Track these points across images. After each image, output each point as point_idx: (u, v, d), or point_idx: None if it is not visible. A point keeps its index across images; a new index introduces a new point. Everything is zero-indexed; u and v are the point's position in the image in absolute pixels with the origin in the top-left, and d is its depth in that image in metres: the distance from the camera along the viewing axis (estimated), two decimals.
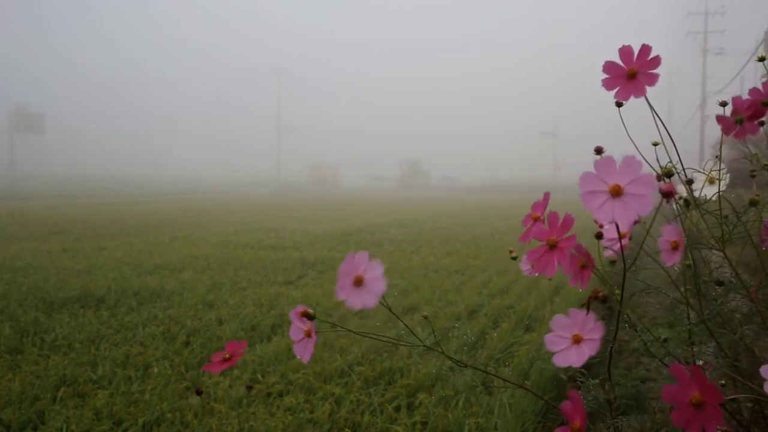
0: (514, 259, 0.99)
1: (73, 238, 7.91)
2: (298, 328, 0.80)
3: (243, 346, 0.86)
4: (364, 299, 0.73)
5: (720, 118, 0.93)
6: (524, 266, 0.99)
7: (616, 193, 0.64)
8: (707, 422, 0.57)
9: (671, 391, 0.59)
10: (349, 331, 0.83)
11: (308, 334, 0.79)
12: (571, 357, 0.72)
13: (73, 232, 8.70)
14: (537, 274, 0.79)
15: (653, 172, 0.81)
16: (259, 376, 2.62)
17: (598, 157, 0.78)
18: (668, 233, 0.80)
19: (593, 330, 0.72)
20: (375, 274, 0.74)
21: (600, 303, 0.78)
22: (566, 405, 0.73)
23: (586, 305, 0.80)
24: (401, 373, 2.61)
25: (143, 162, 78.39)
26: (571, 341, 0.72)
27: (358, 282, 0.74)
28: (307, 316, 0.77)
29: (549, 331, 0.74)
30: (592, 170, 0.67)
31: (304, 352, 0.79)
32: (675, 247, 0.79)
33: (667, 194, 0.71)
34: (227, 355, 0.85)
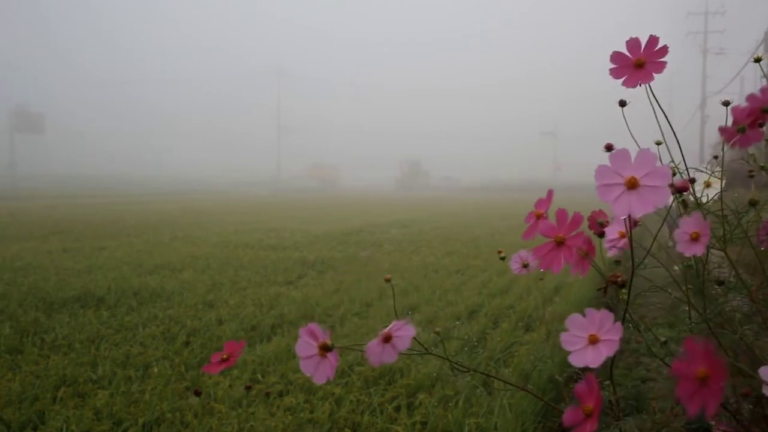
0: (503, 259, 0.99)
1: (73, 238, 7.91)
2: (306, 343, 0.77)
3: (241, 347, 0.85)
4: (386, 355, 0.74)
5: (723, 130, 0.92)
6: (513, 266, 1.00)
7: (632, 185, 0.64)
8: (708, 398, 0.56)
9: (681, 365, 0.58)
10: (356, 349, 0.82)
11: (323, 355, 0.76)
12: (587, 357, 0.71)
13: (73, 232, 8.70)
14: (529, 272, 0.79)
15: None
16: (260, 376, 2.62)
17: (605, 154, 0.78)
18: (687, 225, 0.79)
19: (612, 331, 0.71)
20: (405, 333, 0.74)
21: (619, 288, 0.77)
22: (580, 386, 0.72)
23: (603, 289, 0.79)
24: (401, 373, 2.61)
25: (143, 162, 78.40)
26: (587, 341, 0.72)
27: (387, 339, 0.74)
28: (325, 348, 0.75)
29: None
30: (604, 165, 0.66)
31: (316, 371, 0.76)
32: (695, 238, 0.78)
33: (681, 189, 0.71)
34: (225, 356, 0.84)
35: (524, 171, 55.52)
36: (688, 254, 0.79)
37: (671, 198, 0.66)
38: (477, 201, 23.86)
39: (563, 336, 0.73)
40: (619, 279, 0.75)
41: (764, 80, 0.93)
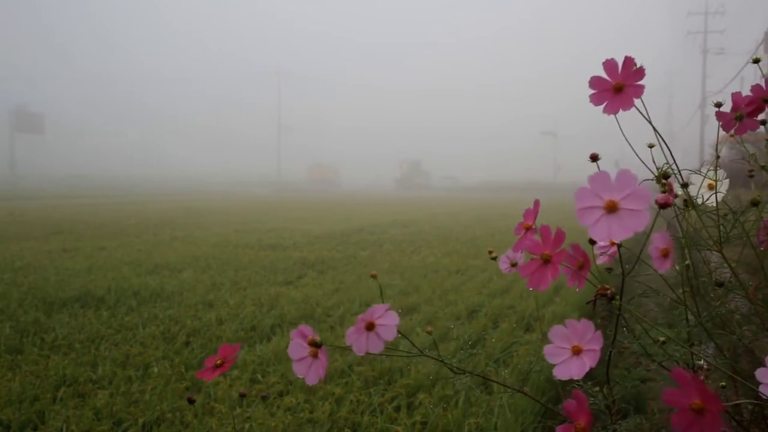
0: (494, 259, 1.00)
1: (73, 238, 7.92)
2: (298, 345, 0.77)
3: (236, 350, 0.85)
4: (372, 344, 0.73)
5: (719, 115, 0.92)
6: (503, 265, 1.01)
7: (611, 208, 0.62)
8: (706, 429, 0.57)
9: (673, 395, 0.59)
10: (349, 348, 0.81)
11: (315, 355, 0.76)
12: (572, 369, 0.71)
13: (73, 232, 8.71)
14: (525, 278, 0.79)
15: (650, 174, 0.81)
16: (259, 376, 2.62)
17: (594, 163, 0.78)
18: (657, 240, 0.80)
19: (593, 340, 0.71)
20: (388, 322, 0.74)
21: (607, 301, 0.77)
22: (569, 404, 0.73)
23: (593, 302, 0.80)
24: (401, 373, 2.61)
25: (143, 162, 78.35)
26: (571, 352, 0.72)
27: (370, 327, 0.73)
28: (313, 344, 0.75)
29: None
30: (584, 187, 0.65)
31: (308, 372, 0.76)
32: (665, 255, 0.79)
33: (664, 206, 0.70)
34: (219, 361, 0.84)
35: (524, 171, 55.53)
36: (661, 271, 0.79)
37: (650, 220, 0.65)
38: (477, 201, 23.86)
39: (547, 349, 0.73)
40: (608, 292, 0.75)
41: (764, 80, 0.93)
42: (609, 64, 0.76)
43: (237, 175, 59.16)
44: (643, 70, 0.74)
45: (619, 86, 0.75)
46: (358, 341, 0.74)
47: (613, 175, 0.64)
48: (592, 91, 0.76)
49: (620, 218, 0.62)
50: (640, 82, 0.75)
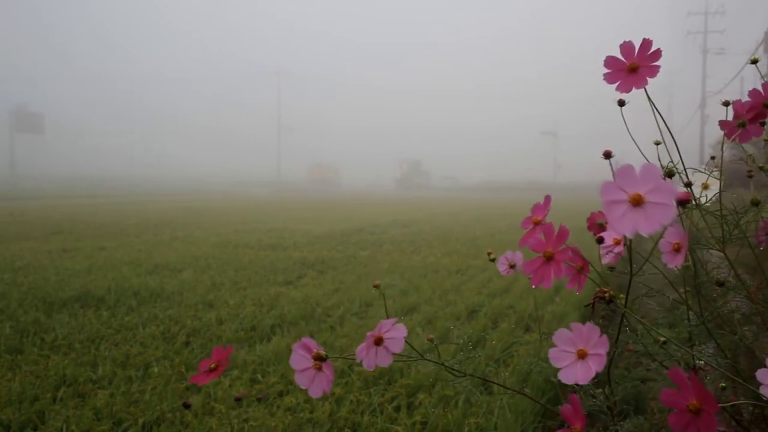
0: (493, 260, 1.00)
1: (73, 238, 7.91)
2: (300, 356, 0.77)
3: (229, 353, 0.84)
4: (381, 358, 0.74)
5: (723, 123, 0.92)
6: (501, 267, 1.00)
7: (637, 202, 0.61)
8: (703, 428, 0.58)
9: (670, 395, 0.59)
10: (352, 358, 0.82)
11: (319, 368, 0.76)
12: (577, 373, 0.71)
13: (73, 232, 8.70)
14: (516, 272, 0.79)
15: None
16: (259, 376, 2.62)
17: (603, 159, 0.78)
18: (670, 235, 0.80)
19: (599, 344, 0.71)
20: (396, 335, 0.74)
21: (605, 304, 0.77)
22: (566, 408, 0.73)
23: (591, 305, 0.80)
24: (401, 373, 2.61)
25: (143, 162, 78.30)
26: (576, 356, 0.71)
27: (378, 342, 0.74)
28: (318, 358, 0.75)
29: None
30: (609, 181, 0.65)
31: (312, 385, 0.75)
32: (677, 249, 0.79)
33: (683, 202, 0.70)
34: (213, 365, 0.83)
35: (524, 171, 55.50)
36: (671, 265, 0.79)
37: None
38: (477, 201, 23.85)
39: (551, 352, 0.73)
40: (606, 295, 0.75)
41: (764, 80, 0.93)
42: (626, 47, 0.77)
43: (237, 175, 59.13)
44: (660, 51, 0.75)
45: (633, 66, 0.76)
46: (367, 357, 0.74)
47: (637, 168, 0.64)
48: (607, 71, 0.77)
49: (646, 211, 0.62)
50: (655, 63, 0.75)
